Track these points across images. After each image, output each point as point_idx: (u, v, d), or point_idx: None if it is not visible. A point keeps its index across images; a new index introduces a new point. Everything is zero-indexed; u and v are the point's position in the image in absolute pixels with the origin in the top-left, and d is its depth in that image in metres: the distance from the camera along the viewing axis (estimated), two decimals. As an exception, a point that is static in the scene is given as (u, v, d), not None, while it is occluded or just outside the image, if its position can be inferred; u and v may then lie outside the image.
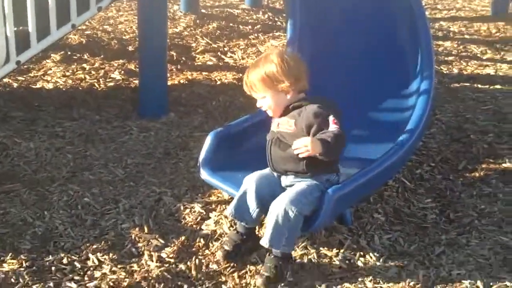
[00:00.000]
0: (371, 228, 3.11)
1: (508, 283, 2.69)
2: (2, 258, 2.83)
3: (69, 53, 5.28)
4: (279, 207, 2.68)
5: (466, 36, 6.38)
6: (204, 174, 3.13)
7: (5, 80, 4.44)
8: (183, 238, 3.03)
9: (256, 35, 6.10)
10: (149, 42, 4.19)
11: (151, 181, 3.51)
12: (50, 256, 2.87)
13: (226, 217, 3.16)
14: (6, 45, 3.60)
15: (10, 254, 2.86)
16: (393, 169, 3.22)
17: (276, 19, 6.64)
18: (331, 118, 2.75)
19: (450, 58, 5.66)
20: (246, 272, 2.81)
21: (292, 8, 4.11)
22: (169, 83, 4.58)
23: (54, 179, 3.46)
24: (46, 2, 3.86)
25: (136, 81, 4.78)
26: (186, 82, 4.89)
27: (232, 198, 3.23)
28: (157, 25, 4.17)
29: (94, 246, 2.94)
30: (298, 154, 2.71)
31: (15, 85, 4.65)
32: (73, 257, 2.87)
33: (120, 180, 3.50)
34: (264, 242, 2.72)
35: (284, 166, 2.84)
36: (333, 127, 2.73)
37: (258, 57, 2.98)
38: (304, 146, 2.68)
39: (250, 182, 2.87)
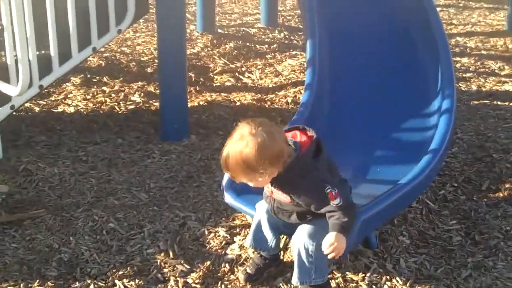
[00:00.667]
0: (396, 251, 3.10)
1: (537, 307, 2.68)
2: (29, 285, 2.85)
3: (88, 76, 5.32)
4: (299, 244, 2.66)
5: (483, 52, 6.38)
6: (228, 198, 3.14)
7: (27, 104, 4.47)
8: (208, 263, 3.03)
9: (273, 54, 6.12)
10: (168, 63, 4.21)
11: (175, 205, 3.52)
12: (77, 283, 2.88)
13: (250, 241, 3.16)
14: (29, 69, 3.62)
15: (37, 281, 2.87)
16: (418, 190, 3.21)
17: (292, 37, 6.67)
18: (327, 191, 2.53)
19: (468, 74, 5.66)
20: (273, 298, 2.81)
21: (311, 28, 4.13)
22: (189, 105, 4.59)
23: (78, 204, 3.48)
24: (67, 26, 3.89)
25: (156, 104, 4.81)
26: (206, 103, 4.91)
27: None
28: (176, 46, 4.19)
29: (120, 272, 2.94)
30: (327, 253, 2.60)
31: (36, 109, 4.69)
32: (99, 283, 2.88)
33: (144, 205, 3.52)
34: (295, 281, 2.72)
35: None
36: (335, 202, 2.54)
37: (232, 141, 2.57)
38: (330, 247, 2.54)
39: (262, 212, 2.85)
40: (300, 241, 2.66)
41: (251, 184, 2.59)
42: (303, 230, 2.68)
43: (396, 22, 4.27)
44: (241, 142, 2.48)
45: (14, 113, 3.97)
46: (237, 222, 3.37)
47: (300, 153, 2.57)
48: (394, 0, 4.38)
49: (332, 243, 2.53)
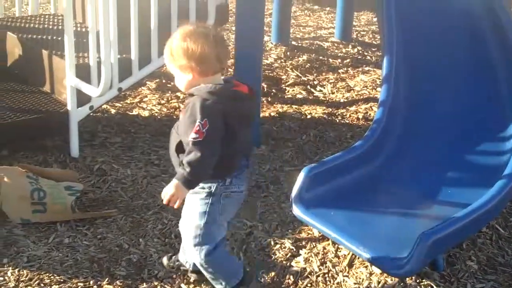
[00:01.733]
0: (463, 275, 3.05)
1: None
2: (99, 283, 2.93)
3: (163, 81, 5.43)
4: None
5: None
6: (296, 211, 3.16)
7: (103, 105, 4.59)
8: (272, 274, 3.06)
9: (345, 69, 6.11)
10: (244, 73, 4.25)
11: (242, 214, 3.56)
12: (144, 284, 2.95)
13: (316, 254, 3.17)
14: (111, 72, 3.74)
15: (106, 279, 2.95)
16: (490, 215, 3.17)
17: (366, 53, 6.64)
18: (197, 122, 2.39)
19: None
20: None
21: (389, 45, 4.12)
22: (260, 115, 4.63)
23: (149, 207, 3.55)
24: (149, 31, 4.00)
25: (228, 112, 4.86)
26: (277, 115, 4.94)
27: (322, 236, 3.25)
28: (253, 56, 4.24)
29: (186, 276, 2.99)
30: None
31: (112, 111, 4.81)
32: (166, 286, 2.93)
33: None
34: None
35: (173, 163, 2.65)
36: (192, 135, 2.39)
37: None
38: (167, 195, 2.45)
39: None
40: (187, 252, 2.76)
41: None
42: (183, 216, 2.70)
43: (476, 45, 4.21)
44: (179, 31, 2.56)
45: (91, 113, 4.09)
46: (303, 235, 3.38)
47: (229, 86, 2.52)
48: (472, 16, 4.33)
49: (168, 193, 2.44)
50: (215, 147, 2.44)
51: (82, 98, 3.89)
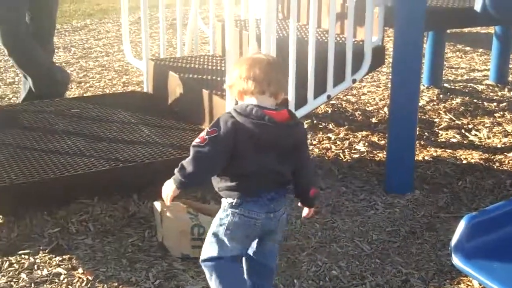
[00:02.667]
0: None
1: None
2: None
3: (315, 121, 5.47)
4: None
5: None
6: (456, 260, 3.04)
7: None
8: (431, 324, 2.96)
9: (501, 113, 5.88)
10: (399, 116, 4.21)
11: (397, 260, 3.48)
12: (300, 325, 2.94)
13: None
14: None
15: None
16: None
17: (524, 98, 6.37)
18: (205, 129, 2.58)
19: None
20: None
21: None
22: (414, 158, 4.54)
23: (303, 248, 3.56)
24: (306, 73, 4.06)
25: (380, 154, 4.82)
26: (431, 159, 4.83)
27: (484, 288, 3.11)
28: (409, 99, 4.17)
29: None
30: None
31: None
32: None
33: (366, 256, 3.52)
34: None
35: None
36: (194, 141, 2.57)
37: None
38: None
39: None
40: None
41: None
42: None
43: None
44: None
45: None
46: (463, 286, 3.26)
47: (259, 111, 2.54)
48: None
49: (163, 188, 2.65)
50: (212, 157, 2.53)
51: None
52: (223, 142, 2.52)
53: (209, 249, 2.72)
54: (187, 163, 2.56)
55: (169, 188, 2.63)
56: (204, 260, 2.74)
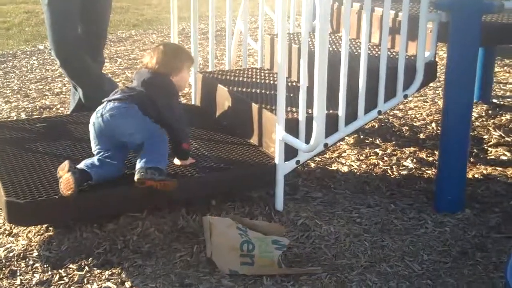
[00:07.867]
0: None
1: None
2: None
3: (361, 136, 5.42)
4: None
5: None
6: (512, 285, 2.97)
7: (304, 159, 4.65)
8: None
9: (553, 130, 5.76)
10: (452, 133, 4.14)
11: (449, 281, 3.42)
12: None
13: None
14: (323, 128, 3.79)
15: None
16: None
17: None
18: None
19: None
20: None
21: None
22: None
23: (353, 267, 3.51)
24: (357, 89, 4.02)
25: (429, 172, 4.75)
26: (481, 177, 4.74)
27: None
28: (462, 116, 4.11)
29: None
30: None
31: (312, 165, 4.86)
32: None
33: (417, 276, 3.46)
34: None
35: None
36: None
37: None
38: None
39: None
40: None
41: None
42: None
43: None
44: None
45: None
46: (517, 311, 3.17)
47: None
48: None
49: None
50: None
51: (289, 152, 3.97)
52: None
53: None
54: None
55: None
56: None
